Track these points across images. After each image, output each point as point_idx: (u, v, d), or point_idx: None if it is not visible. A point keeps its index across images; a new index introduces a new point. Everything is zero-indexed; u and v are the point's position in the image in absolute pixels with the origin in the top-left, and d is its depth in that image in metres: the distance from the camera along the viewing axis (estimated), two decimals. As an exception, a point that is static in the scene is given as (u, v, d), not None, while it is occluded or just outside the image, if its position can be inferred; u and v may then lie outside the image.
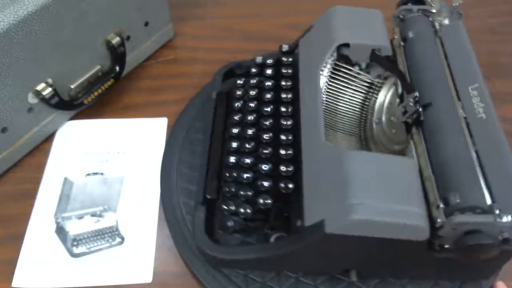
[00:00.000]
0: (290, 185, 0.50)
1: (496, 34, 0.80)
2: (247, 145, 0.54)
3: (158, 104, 0.70)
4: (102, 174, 0.62)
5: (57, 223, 0.57)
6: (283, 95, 0.57)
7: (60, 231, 0.56)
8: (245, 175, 0.52)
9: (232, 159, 0.54)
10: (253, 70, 0.63)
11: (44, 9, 0.55)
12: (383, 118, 0.57)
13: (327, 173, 0.46)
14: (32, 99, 0.60)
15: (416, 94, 0.50)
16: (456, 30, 0.57)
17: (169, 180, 0.60)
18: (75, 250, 0.55)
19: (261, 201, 0.49)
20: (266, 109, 0.57)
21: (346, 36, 0.56)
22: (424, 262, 0.47)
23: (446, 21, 0.59)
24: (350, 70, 0.57)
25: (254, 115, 0.57)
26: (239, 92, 0.61)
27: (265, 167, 0.52)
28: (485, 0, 0.86)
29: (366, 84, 0.59)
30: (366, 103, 0.59)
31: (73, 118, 0.68)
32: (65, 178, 0.61)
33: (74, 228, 0.56)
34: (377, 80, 0.58)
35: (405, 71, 0.55)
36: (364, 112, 0.59)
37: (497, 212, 0.41)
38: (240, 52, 0.76)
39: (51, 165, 0.63)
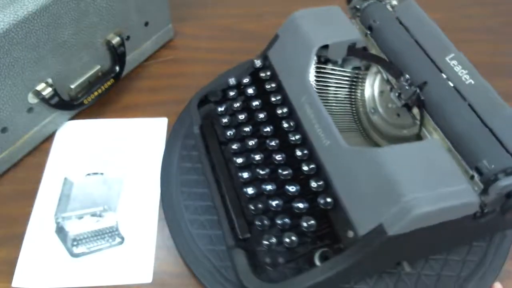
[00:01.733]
0: (329, 199, 0.48)
1: (496, 34, 0.80)
2: (261, 172, 0.51)
3: (158, 104, 0.70)
4: (102, 174, 0.62)
5: (57, 223, 0.57)
6: (279, 111, 0.55)
7: (60, 231, 0.56)
8: (274, 203, 0.49)
9: (250, 190, 0.50)
10: (231, 93, 0.59)
11: (44, 9, 0.55)
12: (379, 107, 0.58)
13: (363, 177, 0.45)
14: (32, 99, 0.60)
15: (407, 76, 0.51)
16: (410, 8, 0.58)
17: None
18: (75, 250, 0.55)
19: (304, 224, 0.47)
20: (266, 130, 0.55)
21: (322, 38, 0.55)
22: (467, 232, 0.49)
23: (395, 1, 0.60)
24: (331, 69, 0.57)
25: (256, 140, 0.54)
26: (225, 120, 0.57)
27: (292, 188, 0.49)
28: (485, 0, 0.86)
29: (348, 79, 0.59)
30: (353, 96, 0.59)
31: (73, 118, 0.68)
32: (65, 178, 0.61)
33: (74, 228, 0.56)
34: (356, 72, 0.59)
35: (383, 58, 0.56)
36: (354, 106, 0.59)
37: None
38: (240, 52, 0.76)
39: (51, 165, 0.63)
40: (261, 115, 0.56)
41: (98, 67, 0.67)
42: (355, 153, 0.47)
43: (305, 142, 0.52)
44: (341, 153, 0.48)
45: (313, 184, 0.49)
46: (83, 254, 0.55)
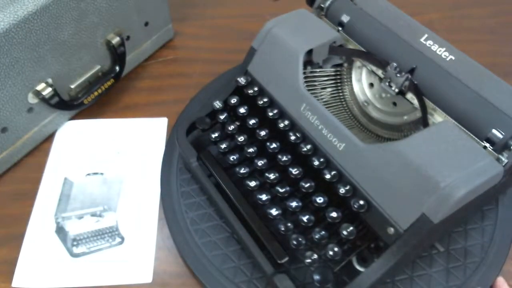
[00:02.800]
0: (362, 202, 0.47)
1: (496, 34, 0.80)
2: (280, 190, 0.50)
3: (158, 104, 0.70)
4: (102, 174, 0.62)
5: (57, 223, 0.57)
6: (281, 124, 0.53)
7: (60, 231, 0.56)
8: (305, 218, 0.47)
9: (274, 211, 0.49)
10: (221, 117, 0.57)
11: (44, 9, 0.55)
12: (372, 100, 0.58)
13: (391, 172, 0.45)
14: (32, 99, 0.60)
15: (395, 64, 0.51)
16: None
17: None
18: (75, 250, 0.55)
19: (344, 232, 0.46)
20: (273, 146, 0.53)
21: (305, 44, 0.55)
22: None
23: None
24: (310, 72, 0.57)
25: (265, 160, 0.52)
26: (224, 146, 0.55)
27: (319, 199, 0.48)
28: (485, 0, 0.86)
29: (331, 78, 0.59)
30: (341, 94, 0.59)
31: (73, 118, 0.68)
32: (65, 178, 0.61)
33: (74, 228, 0.56)
34: (338, 69, 0.59)
35: (365, 51, 0.56)
36: (345, 103, 0.59)
37: None
38: (240, 52, 0.76)
39: (51, 165, 0.63)
40: (263, 133, 0.54)
41: (98, 67, 0.67)
42: (376, 150, 0.47)
43: (316, 151, 0.51)
44: (360, 153, 0.48)
45: (341, 190, 0.48)
46: (83, 254, 0.55)
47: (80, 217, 0.58)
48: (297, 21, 0.58)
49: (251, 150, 0.54)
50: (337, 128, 0.50)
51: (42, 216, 0.58)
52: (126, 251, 0.55)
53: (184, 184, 0.59)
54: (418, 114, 0.53)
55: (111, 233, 0.56)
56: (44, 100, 0.60)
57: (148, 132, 0.66)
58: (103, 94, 0.67)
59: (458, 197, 0.42)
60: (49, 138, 0.66)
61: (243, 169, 0.53)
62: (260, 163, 0.52)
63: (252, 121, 0.56)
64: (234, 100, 0.58)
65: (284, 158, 0.52)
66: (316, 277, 0.46)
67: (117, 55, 0.67)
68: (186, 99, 0.69)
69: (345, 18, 0.58)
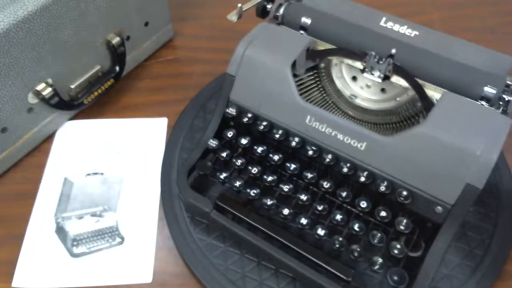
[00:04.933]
0: (405, 193, 0.47)
1: (496, 34, 0.80)
2: (318, 208, 0.49)
3: (158, 104, 0.70)
4: (102, 174, 0.62)
5: (57, 223, 0.57)
6: (293, 143, 0.52)
7: (60, 231, 0.56)
8: (356, 227, 0.48)
9: (320, 230, 0.48)
10: (223, 154, 0.54)
11: (44, 9, 0.55)
12: (360, 92, 0.57)
13: (422, 156, 0.47)
14: (32, 99, 0.60)
15: (374, 53, 0.52)
16: None
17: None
18: (75, 250, 0.55)
19: (402, 227, 0.47)
20: (293, 167, 0.52)
21: (287, 57, 0.53)
22: None
23: None
24: (295, 81, 0.56)
25: (290, 185, 0.51)
26: (238, 183, 0.52)
27: (363, 204, 0.48)
28: (485, 0, 0.86)
29: (311, 82, 0.58)
30: (325, 95, 0.58)
31: (73, 118, 0.68)
32: (65, 178, 0.61)
33: (74, 228, 0.56)
34: (316, 72, 0.58)
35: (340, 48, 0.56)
36: (331, 103, 0.58)
37: None
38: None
39: (51, 165, 0.63)
40: (276, 157, 0.53)
41: (98, 67, 0.67)
42: (400, 140, 0.48)
43: (339, 158, 0.50)
44: (384, 147, 0.48)
45: (382, 188, 0.48)
46: (83, 254, 0.55)
47: (80, 217, 0.58)
48: (265, 37, 0.56)
49: (270, 178, 0.52)
50: (352, 129, 0.49)
51: (42, 216, 0.58)
52: (126, 251, 0.55)
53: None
54: (410, 92, 0.53)
55: (111, 233, 0.56)
56: (44, 100, 0.60)
57: (148, 132, 0.66)
58: (103, 94, 0.67)
59: (495, 159, 0.45)
60: (49, 138, 0.66)
61: (269, 200, 0.51)
62: (286, 188, 0.51)
63: (260, 149, 0.53)
64: (230, 134, 0.55)
65: (310, 175, 0.51)
66: (395, 278, 0.46)
67: (117, 55, 0.67)
68: (186, 99, 0.69)
69: (306, 21, 0.57)
